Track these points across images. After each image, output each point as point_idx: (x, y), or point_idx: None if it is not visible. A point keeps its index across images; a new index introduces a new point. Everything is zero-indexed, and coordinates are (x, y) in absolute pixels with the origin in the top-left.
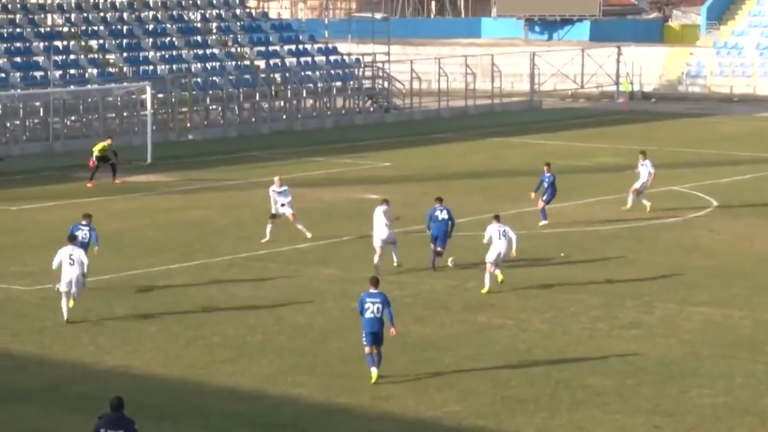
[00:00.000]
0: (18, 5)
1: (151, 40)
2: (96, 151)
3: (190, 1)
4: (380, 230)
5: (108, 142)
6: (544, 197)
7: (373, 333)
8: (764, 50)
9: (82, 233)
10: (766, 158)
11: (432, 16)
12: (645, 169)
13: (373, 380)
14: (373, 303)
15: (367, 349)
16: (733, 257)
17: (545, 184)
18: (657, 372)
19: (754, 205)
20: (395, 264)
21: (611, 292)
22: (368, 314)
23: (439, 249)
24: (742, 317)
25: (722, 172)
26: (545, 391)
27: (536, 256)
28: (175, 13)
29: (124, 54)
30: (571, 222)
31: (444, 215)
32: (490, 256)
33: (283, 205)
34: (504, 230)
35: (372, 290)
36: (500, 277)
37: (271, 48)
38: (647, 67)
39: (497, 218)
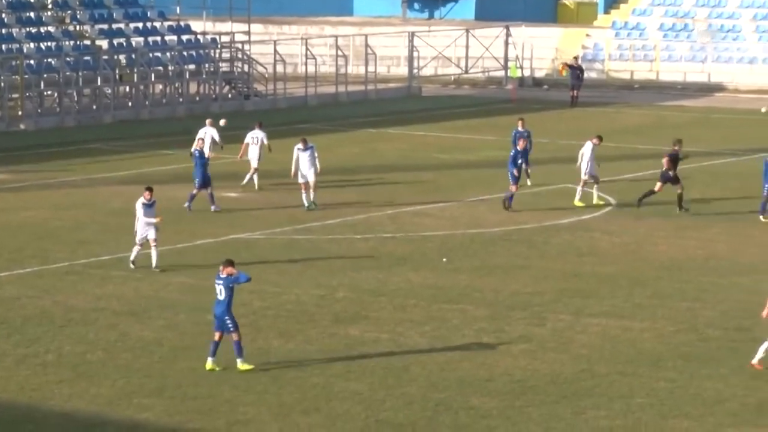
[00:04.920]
0: None
1: None
2: None
3: None
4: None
5: None
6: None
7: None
8: (668, 32)
9: None
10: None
11: None
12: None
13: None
14: (217, 285)
15: (216, 335)
16: (633, 263)
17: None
18: (548, 391)
19: (657, 204)
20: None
21: (498, 302)
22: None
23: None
24: (642, 330)
25: (621, 167)
26: (424, 413)
27: (415, 262)
28: None
29: None
30: (454, 223)
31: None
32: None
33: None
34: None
35: (221, 273)
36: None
37: (114, 26)
38: (539, 49)
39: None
